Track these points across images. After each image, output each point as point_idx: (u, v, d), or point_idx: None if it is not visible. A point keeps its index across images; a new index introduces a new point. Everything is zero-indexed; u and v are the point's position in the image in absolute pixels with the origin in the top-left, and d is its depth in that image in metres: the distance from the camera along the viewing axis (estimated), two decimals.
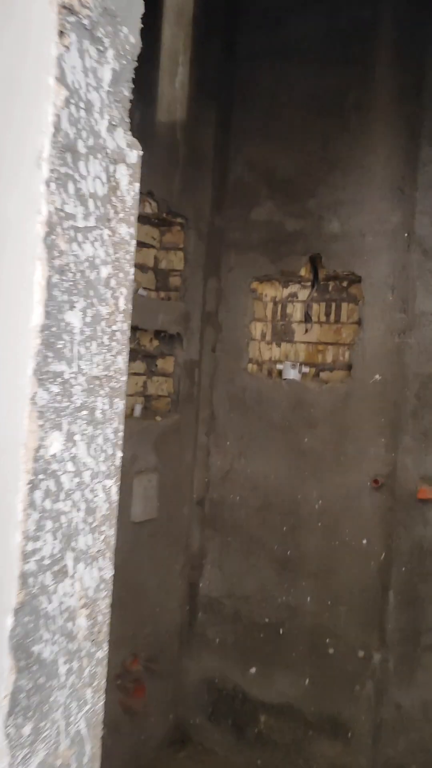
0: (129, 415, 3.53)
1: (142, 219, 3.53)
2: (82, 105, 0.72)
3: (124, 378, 0.82)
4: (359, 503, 3.36)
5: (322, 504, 3.45)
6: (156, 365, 3.73)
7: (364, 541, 3.35)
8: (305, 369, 3.64)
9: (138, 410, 3.53)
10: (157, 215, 3.49)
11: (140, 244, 3.59)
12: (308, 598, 3.48)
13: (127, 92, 0.80)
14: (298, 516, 3.51)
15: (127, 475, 3.27)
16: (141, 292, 3.45)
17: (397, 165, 3.32)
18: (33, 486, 0.68)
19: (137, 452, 3.34)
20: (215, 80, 3.73)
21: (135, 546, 3.36)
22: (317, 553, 3.46)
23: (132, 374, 3.62)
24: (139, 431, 3.36)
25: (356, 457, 3.38)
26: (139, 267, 3.61)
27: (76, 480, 0.75)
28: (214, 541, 3.75)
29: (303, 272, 3.61)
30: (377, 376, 3.36)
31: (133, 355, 3.60)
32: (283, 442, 3.56)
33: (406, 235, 3.30)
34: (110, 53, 0.76)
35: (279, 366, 3.69)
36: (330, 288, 3.63)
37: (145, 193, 3.31)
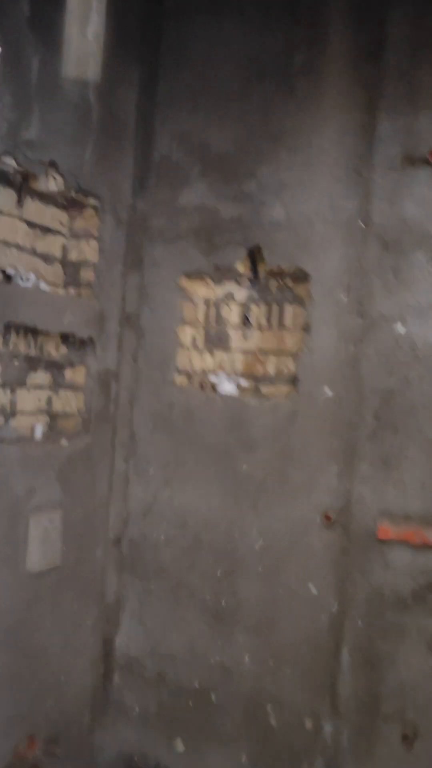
0: (28, 438, 2.87)
1: (45, 198, 2.89)
2: None
3: None
4: (307, 543, 2.80)
5: (263, 543, 2.88)
6: (63, 376, 3.08)
7: (314, 589, 2.79)
8: (243, 382, 3.07)
9: (39, 432, 2.88)
10: (64, 194, 2.85)
11: (43, 230, 2.95)
12: (246, 658, 2.89)
13: None
14: (235, 558, 2.92)
15: (21, 513, 2.62)
16: (43, 286, 2.80)
17: (352, 141, 2.80)
18: None
19: (35, 484, 2.69)
20: (139, 36, 3.13)
21: (33, 601, 2.70)
22: (258, 603, 2.88)
23: (33, 387, 2.97)
24: (39, 458, 2.71)
25: (304, 487, 2.82)
26: (42, 257, 2.97)
27: None
28: (134, 588, 3.13)
29: (241, 267, 3.05)
30: (328, 392, 2.82)
31: (34, 363, 2.95)
32: (217, 469, 2.98)
33: (362, 224, 2.78)
34: None
35: (213, 378, 3.11)
36: (272, 287, 3.07)
37: (47, 163, 2.67)
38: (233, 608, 2.92)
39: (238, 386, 3.05)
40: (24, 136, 2.54)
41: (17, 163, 2.55)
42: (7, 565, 2.57)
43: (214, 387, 3.11)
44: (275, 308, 3.07)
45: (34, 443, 2.78)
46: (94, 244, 3.05)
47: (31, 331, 2.87)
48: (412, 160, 2.68)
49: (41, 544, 2.67)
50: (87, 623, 3.04)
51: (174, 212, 3.11)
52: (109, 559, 3.16)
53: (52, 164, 2.71)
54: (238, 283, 3.14)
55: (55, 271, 3.04)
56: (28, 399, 2.94)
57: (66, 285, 3.08)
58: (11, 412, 2.83)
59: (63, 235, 3.05)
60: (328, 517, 2.76)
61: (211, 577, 2.96)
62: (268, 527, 2.87)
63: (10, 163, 2.53)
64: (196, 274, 3.10)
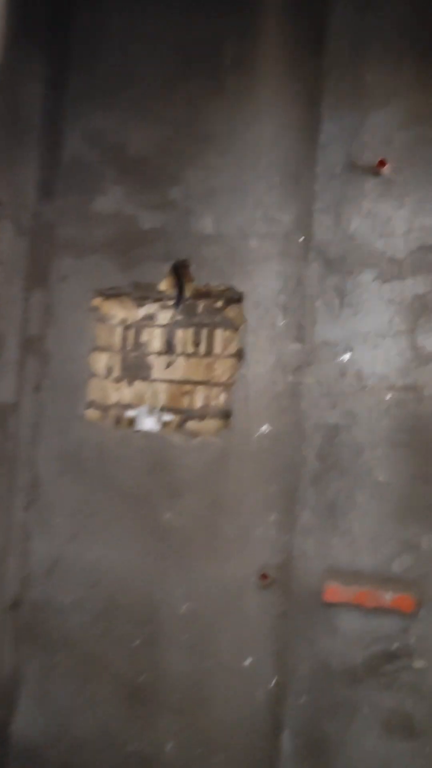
0: None
1: None
2: None
3: None
4: (241, 606, 2.40)
5: (189, 607, 2.46)
6: None
7: (248, 661, 2.38)
8: (167, 417, 2.66)
9: None
10: None
11: None
12: (170, 744, 2.44)
13: None
14: (157, 624, 2.49)
15: None
16: None
17: (290, 144, 2.48)
18: None
19: None
20: (45, 22, 2.73)
21: None
22: (183, 679, 2.45)
23: None
24: None
25: (237, 540, 2.43)
26: None
27: None
28: (33, 662, 2.63)
29: (164, 286, 2.66)
30: (264, 428, 2.45)
31: None
32: (135, 519, 2.54)
33: (302, 239, 2.45)
34: None
35: (130, 412, 2.69)
36: (200, 308, 2.69)
37: None
38: (154, 685, 2.47)
39: (161, 422, 2.63)
40: None
41: None
42: None
43: (132, 422, 2.69)
44: (203, 332, 2.69)
45: None
46: None
47: None
48: (357, 168, 2.37)
49: None
50: None
51: (86, 221, 2.69)
52: (4, 628, 2.65)
53: None
54: (161, 303, 2.74)
55: None
56: None
57: None
58: None
59: None
60: (264, 576, 2.37)
61: (128, 648, 2.51)
62: (195, 588, 2.45)
63: None
64: (111, 293, 2.68)
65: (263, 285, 2.48)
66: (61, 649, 2.59)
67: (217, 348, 2.66)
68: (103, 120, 2.70)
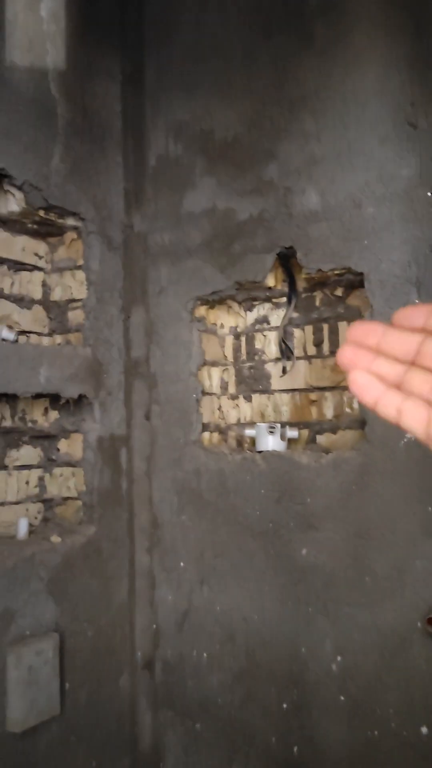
0: (8, 537, 2.15)
1: (11, 225, 2.25)
2: None
3: None
4: (407, 659, 1.90)
5: (343, 663, 2.00)
6: (57, 450, 2.37)
7: (424, 729, 1.87)
8: (292, 433, 2.25)
9: (24, 528, 2.14)
10: (31, 215, 2.19)
11: (14, 265, 2.30)
12: None
13: None
14: (305, 685, 2.05)
15: None
16: (5, 334, 2.12)
17: (399, 85, 2.02)
18: None
19: (14, 604, 1.94)
20: (118, 16, 2.51)
21: None
22: (344, 751, 1.99)
23: (17, 467, 2.26)
24: (19, 565, 1.97)
25: (391, 577, 1.94)
26: (15, 299, 2.30)
27: None
28: (175, 729, 2.29)
29: (271, 281, 2.28)
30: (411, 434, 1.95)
31: (15, 438, 2.25)
32: (267, 558, 2.14)
33: (429, 193, 1.97)
34: None
35: (249, 432, 2.31)
36: (317, 301, 2.28)
37: None
38: (310, 759, 2.03)
39: (286, 439, 2.23)
40: None
41: None
42: None
43: (253, 443, 2.31)
44: (325, 329, 2.27)
45: (12, 544, 2.05)
46: (80, 275, 2.36)
47: (5, 396, 2.19)
48: None
49: (26, 690, 1.89)
50: None
51: (178, 223, 2.39)
52: (138, 691, 2.34)
53: (3, 175, 2.06)
54: (272, 303, 2.37)
55: (35, 316, 2.36)
56: (13, 484, 2.23)
57: (52, 331, 2.40)
58: None
59: (41, 269, 2.39)
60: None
61: (275, 714, 2.10)
62: (347, 639, 1.99)
63: None
64: (215, 299, 2.34)
65: (387, 259, 2.01)
66: (201, 715, 2.23)
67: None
68: (184, 110, 2.41)
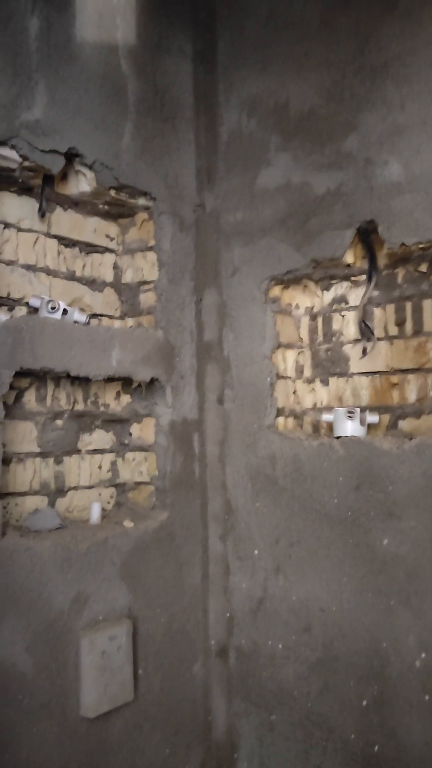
0: (81, 522, 2.13)
1: (83, 206, 2.22)
2: None
3: None
4: None
5: (427, 659, 1.90)
6: (129, 434, 2.34)
7: None
8: (373, 417, 2.15)
9: (97, 512, 2.13)
10: (101, 193, 2.16)
11: (86, 247, 2.27)
12: None
13: None
14: (387, 680, 1.96)
15: (67, 632, 1.85)
16: (77, 316, 2.09)
17: None
18: None
19: (87, 588, 1.93)
20: None
21: (95, 756, 1.90)
22: (430, 752, 1.89)
23: (90, 452, 2.24)
24: (92, 549, 1.95)
25: None
26: (87, 281, 2.28)
27: None
28: (249, 719, 2.24)
29: (350, 258, 2.18)
30: None
31: (88, 422, 2.23)
32: (346, 547, 2.06)
33: None
34: None
35: (327, 417, 2.22)
36: (399, 278, 2.17)
37: (64, 153, 1.99)
38: (393, 758, 1.94)
39: (366, 424, 2.13)
40: (24, 117, 1.89)
41: (20, 155, 1.89)
42: (50, 712, 1.80)
43: (331, 428, 2.22)
44: (408, 307, 2.15)
45: (86, 528, 2.03)
46: (151, 257, 2.32)
47: (78, 379, 2.17)
48: None
49: (99, 675, 1.88)
50: None
51: (252, 201, 2.32)
52: (212, 679, 2.30)
53: (73, 154, 2.03)
54: (351, 281, 2.26)
55: (106, 298, 2.34)
56: (86, 468, 2.22)
57: (124, 314, 2.37)
58: (57, 490, 2.12)
59: (112, 251, 2.36)
60: None
61: (354, 708, 2.02)
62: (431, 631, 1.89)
63: (10, 155, 1.87)
64: (290, 278, 2.26)
65: None
66: (276, 706, 2.17)
67: (428, 324, 2.10)
68: (258, 84, 2.32)
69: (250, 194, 2.33)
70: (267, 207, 2.28)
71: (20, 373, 1.90)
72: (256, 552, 2.24)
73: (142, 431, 2.31)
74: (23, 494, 2.03)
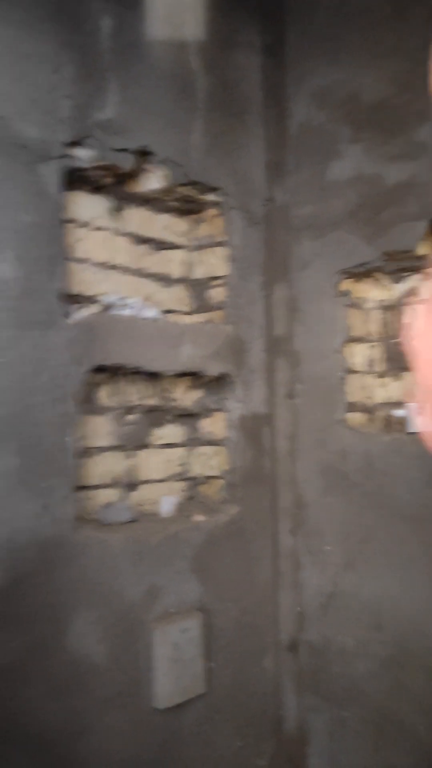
0: (152, 515, 2.17)
1: (153, 203, 2.25)
2: None
3: None
4: None
5: None
6: (200, 429, 2.36)
7: None
8: None
9: (169, 505, 2.16)
10: (172, 191, 2.18)
11: (156, 244, 2.30)
12: None
13: None
14: None
15: (137, 626, 1.89)
16: (148, 313, 2.12)
17: None
18: None
19: (159, 581, 1.96)
20: None
21: (167, 750, 1.94)
22: None
23: (161, 446, 2.28)
24: (163, 543, 1.98)
25: None
26: (157, 278, 2.31)
27: None
28: (320, 714, 2.24)
29: (423, 250, 2.13)
30: None
31: (159, 417, 2.27)
32: (419, 545, 2.03)
33: None
34: None
35: (399, 412, 2.19)
36: None
37: (136, 151, 2.02)
38: None
39: None
40: (98, 116, 1.92)
41: (93, 155, 1.92)
42: (122, 703, 1.85)
43: (403, 424, 2.19)
44: None
45: (157, 522, 2.07)
46: (221, 252, 2.33)
47: (149, 374, 2.21)
48: None
49: (172, 667, 1.91)
50: (259, 766, 2.20)
51: (322, 194, 2.29)
52: (283, 673, 2.31)
53: (145, 152, 2.06)
54: (424, 273, 2.22)
55: (176, 294, 2.36)
56: (155, 463, 2.25)
57: (193, 310, 2.39)
58: (129, 483, 2.16)
59: (182, 247, 2.38)
60: None
61: (428, 705, 1.99)
62: None
63: (83, 155, 1.91)
64: (361, 271, 2.23)
65: None
66: (348, 702, 2.16)
67: None
68: (328, 74, 2.30)
69: (320, 187, 2.31)
70: (337, 200, 2.26)
71: (94, 370, 1.95)
72: (327, 547, 2.23)
73: (213, 426, 2.33)
74: (96, 488, 2.08)
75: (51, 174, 1.80)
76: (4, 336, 1.68)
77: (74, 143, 1.87)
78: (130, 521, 2.01)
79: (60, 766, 1.73)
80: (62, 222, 1.84)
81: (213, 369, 2.18)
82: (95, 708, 1.80)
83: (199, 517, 2.12)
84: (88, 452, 2.05)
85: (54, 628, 1.73)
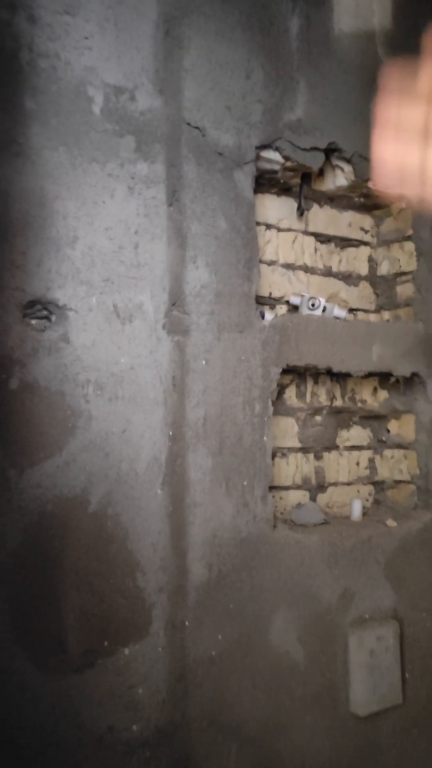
0: (342, 518, 2.13)
1: (336, 201, 2.21)
2: None
3: None
4: None
5: None
6: (387, 431, 2.29)
7: None
8: None
9: (358, 509, 2.11)
10: (357, 186, 2.13)
11: (340, 242, 2.26)
12: None
13: None
14: None
15: (333, 630, 1.86)
16: (337, 312, 2.08)
17: None
18: None
19: (353, 585, 1.92)
20: None
21: (362, 757, 1.89)
22: None
23: (348, 448, 2.24)
24: (357, 547, 1.94)
25: None
26: (342, 277, 2.27)
27: None
28: None
29: None
30: None
31: (346, 418, 2.23)
32: None
33: None
34: None
35: None
36: None
37: (324, 149, 1.99)
38: None
39: None
40: (287, 117, 1.92)
41: (283, 156, 1.92)
42: (322, 704, 1.83)
43: None
44: None
45: (349, 525, 2.03)
46: (409, 247, 2.25)
47: (335, 375, 2.17)
48: None
49: (368, 674, 1.86)
50: None
51: None
52: None
53: (333, 149, 2.02)
54: None
55: (362, 293, 2.31)
56: (342, 465, 2.22)
57: (378, 308, 2.33)
58: (317, 485, 2.14)
59: (367, 244, 2.32)
60: None
61: None
62: None
63: (274, 157, 1.91)
64: None
65: None
66: None
67: None
68: None
69: None
70: None
71: (283, 370, 1.94)
72: None
73: (401, 428, 2.25)
74: (286, 488, 2.08)
75: (245, 179, 1.82)
76: (205, 340, 1.72)
77: (264, 146, 1.88)
78: (321, 523, 1.99)
79: (262, 757, 1.74)
80: (255, 226, 1.86)
81: (404, 369, 2.10)
82: (296, 706, 1.79)
83: (392, 523, 2.05)
84: (277, 453, 2.06)
85: (257, 623, 1.74)
